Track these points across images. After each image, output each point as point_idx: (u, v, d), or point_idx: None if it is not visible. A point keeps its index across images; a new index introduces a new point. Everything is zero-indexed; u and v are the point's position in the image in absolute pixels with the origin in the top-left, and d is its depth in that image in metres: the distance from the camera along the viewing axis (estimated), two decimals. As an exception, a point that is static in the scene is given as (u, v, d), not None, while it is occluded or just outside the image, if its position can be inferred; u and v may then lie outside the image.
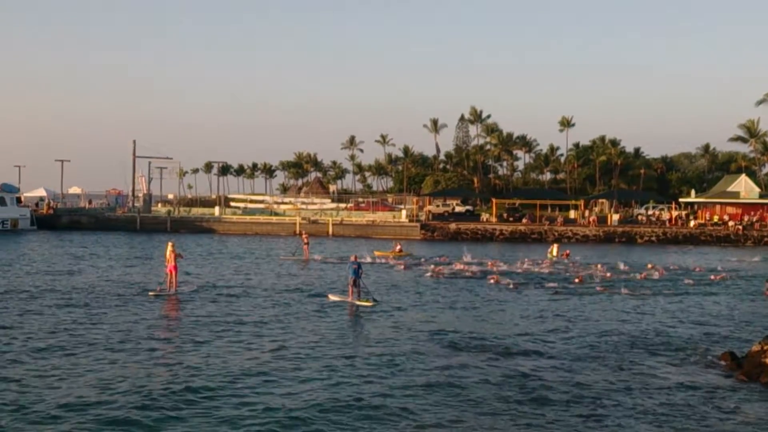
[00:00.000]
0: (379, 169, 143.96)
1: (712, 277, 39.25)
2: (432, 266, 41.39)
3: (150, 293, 28.92)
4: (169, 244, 29.82)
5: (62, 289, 30.52)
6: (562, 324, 24.45)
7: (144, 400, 14.77)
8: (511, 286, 33.82)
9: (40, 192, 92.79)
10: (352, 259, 29.32)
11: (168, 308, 26.44)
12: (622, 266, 42.48)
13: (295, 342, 20.79)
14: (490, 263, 43.85)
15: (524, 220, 76.56)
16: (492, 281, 35.24)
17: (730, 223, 74.69)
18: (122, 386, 15.82)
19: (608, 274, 39.04)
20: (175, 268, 29.41)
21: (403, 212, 76.29)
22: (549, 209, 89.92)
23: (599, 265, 43.07)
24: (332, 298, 28.79)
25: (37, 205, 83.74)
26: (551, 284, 34.67)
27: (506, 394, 15.88)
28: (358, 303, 27.56)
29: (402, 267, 41.70)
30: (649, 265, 43.13)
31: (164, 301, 27.83)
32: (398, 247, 50.65)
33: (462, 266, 41.57)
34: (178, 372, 17.19)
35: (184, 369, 17.46)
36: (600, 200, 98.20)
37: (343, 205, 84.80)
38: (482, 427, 13.79)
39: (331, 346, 20.27)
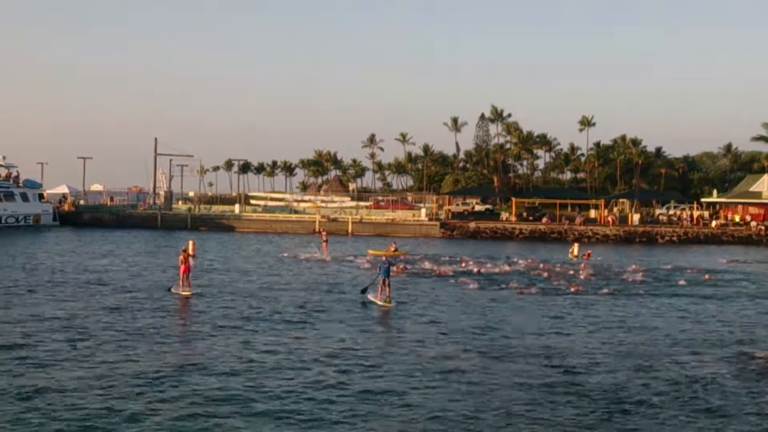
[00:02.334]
0: (398, 168, 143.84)
1: (706, 276, 38.97)
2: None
3: (184, 293, 28.73)
4: (190, 242, 29.92)
5: (75, 284, 31.07)
6: (554, 324, 24.41)
7: (155, 405, 14.80)
8: (473, 286, 33.17)
9: (63, 189, 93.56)
10: (383, 258, 28.76)
11: (181, 309, 26.28)
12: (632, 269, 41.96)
13: (319, 343, 20.91)
14: (469, 261, 43.89)
15: (544, 220, 76.30)
16: (454, 282, 34.75)
17: (752, 224, 74.08)
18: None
19: (582, 276, 38.45)
20: (188, 269, 29.37)
21: (423, 211, 76.30)
22: (569, 208, 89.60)
23: (583, 266, 42.77)
24: (371, 298, 28.03)
25: (59, 201, 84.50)
26: (517, 285, 33.69)
27: (535, 395, 15.93)
28: (380, 303, 27.22)
29: (367, 265, 41.23)
30: (633, 267, 42.83)
31: (178, 301, 27.69)
32: (393, 246, 50.14)
33: (431, 265, 41.23)
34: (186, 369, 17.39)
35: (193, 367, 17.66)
36: (621, 200, 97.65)
37: (362, 204, 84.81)
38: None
39: (354, 350, 20.33)
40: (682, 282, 36.52)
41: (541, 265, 42.57)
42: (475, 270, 39.94)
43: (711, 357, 19.91)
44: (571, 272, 39.68)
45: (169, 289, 29.67)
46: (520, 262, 44.66)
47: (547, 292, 32.07)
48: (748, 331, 23.85)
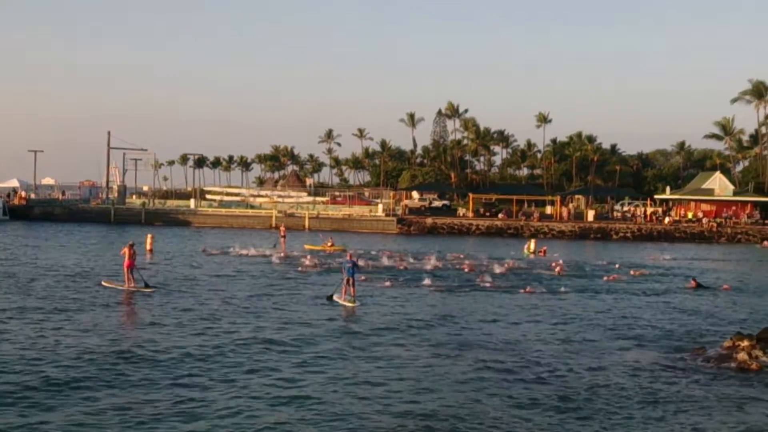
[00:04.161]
0: (356, 163, 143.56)
1: (633, 272, 39.53)
2: (307, 257, 40.53)
3: (129, 287, 27.99)
4: (149, 236, 29.28)
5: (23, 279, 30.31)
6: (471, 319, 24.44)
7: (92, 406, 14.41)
8: (388, 284, 32.47)
9: (13, 182, 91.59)
10: (348, 257, 27.74)
11: (125, 307, 25.35)
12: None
13: (279, 345, 20.57)
14: (396, 256, 43.79)
15: (501, 215, 76.64)
16: (362, 279, 33.30)
17: (704, 220, 75.28)
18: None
19: (498, 270, 38.34)
20: (131, 264, 28.47)
21: (380, 206, 76.17)
22: (525, 204, 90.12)
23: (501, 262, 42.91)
24: (336, 299, 27.04)
25: (8, 195, 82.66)
26: (431, 282, 33.26)
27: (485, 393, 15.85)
28: (344, 303, 26.45)
29: (278, 261, 40.49)
30: (559, 262, 42.70)
31: (121, 298, 26.71)
32: (330, 241, 49.99)
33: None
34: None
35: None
36: (576, 196, 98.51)
37: (319, 199, 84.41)
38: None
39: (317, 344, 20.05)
40: (605, 278, 36.94)
41: (467, 261, 42.51)
42: (401, 266, 39.63)
43: (638, 350, 20.30)
44: (497, 269, 38.95)
45: (101, 283, 29.14)
46: (449, 256, 44.84)
47: (463, 287, 31.95)
48: (671, 325, 24.26)
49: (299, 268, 37.24)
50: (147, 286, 28.34)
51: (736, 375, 17.58)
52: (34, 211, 76.33)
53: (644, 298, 30.57)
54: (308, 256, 41.28)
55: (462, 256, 45.39)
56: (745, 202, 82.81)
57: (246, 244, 47.44)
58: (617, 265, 42.73)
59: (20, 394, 14.52)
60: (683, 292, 32.90)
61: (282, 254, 44.23)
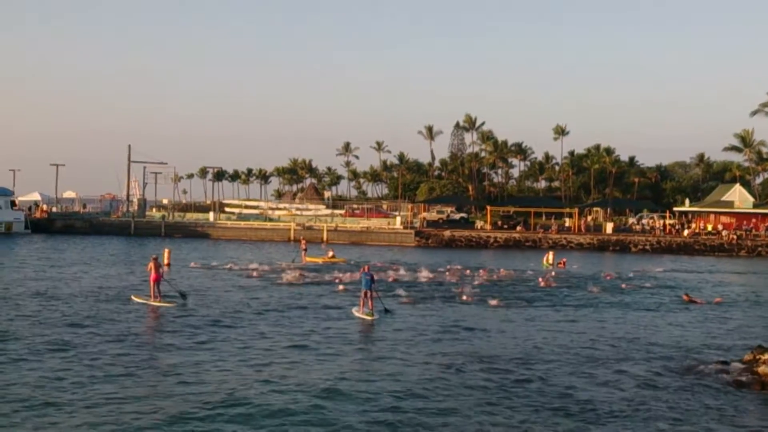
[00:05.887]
0: (374, 176, 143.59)
1: (624, 285, 39.00)
2: (288, 273, 39.97)
3: (154, 303, 27.90)
4: (166, 251, 29.29)
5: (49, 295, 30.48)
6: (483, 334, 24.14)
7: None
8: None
9: (35, 196, 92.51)
10: (366, 269, 27.42)
11: (151, 321, 25.14)
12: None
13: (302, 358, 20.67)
14: (391, 268, 43.74)
15: (519, 228, 76.50)
16: (340, 289, 33.76)
17: (724, 233, 74.81)
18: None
19: (477, 283, 37.84)
20: (158, 278, 28.35)
21: (398, 219, 76.27)
22: (543, 217, 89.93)
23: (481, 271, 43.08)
24: (356, 313, 26.89)
25: (29, 209, 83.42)
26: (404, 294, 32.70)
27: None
28: (362, 317, 26.25)
29: (255, 274, 39.98)
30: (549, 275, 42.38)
31: (147, 314, 26.50)
32: (330, 252, 50.16)
33: (339, 274, 39.69)
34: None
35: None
36: (595, 208, 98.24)
37: (337, 212, 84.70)
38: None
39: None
40: (593, 289, 36.22)
41: (454, 269, 42.89)
42: (391, 278, 39.29)
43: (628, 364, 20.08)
44: (474, 280, 38.82)
45: (131, 299, 29.04)
46: (445, 269, 44.66)
47: (444, 301, 31.56)
48: (687, 339, 24.03)
49: (282, 281, 36.83)
50: (183, 295, 28.93)
51: (757, 389, 17.44)
52: (56, 225, 77.05)
53: (654, 312, 30.05)
54: (289, 270, 41.12)
55: (459, 267, 45.39)
56: (766, 215, 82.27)
57: (236, 258, 47.98)
58: (607, 276, 42.57)
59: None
60: (695, 306, 32.19)
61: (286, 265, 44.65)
